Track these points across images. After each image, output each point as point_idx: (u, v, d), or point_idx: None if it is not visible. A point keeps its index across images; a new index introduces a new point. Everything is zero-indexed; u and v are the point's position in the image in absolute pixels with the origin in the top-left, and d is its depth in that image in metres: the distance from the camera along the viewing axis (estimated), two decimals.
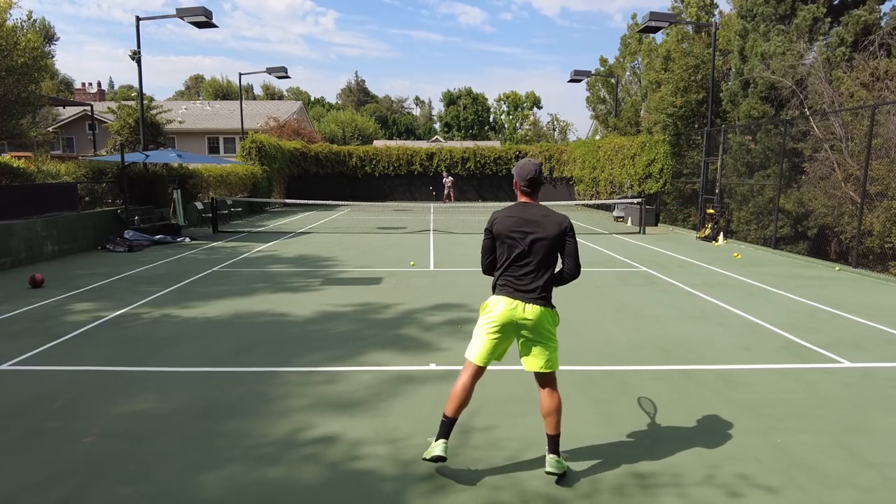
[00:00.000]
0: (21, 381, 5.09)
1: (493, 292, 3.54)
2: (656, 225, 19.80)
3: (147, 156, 15.36)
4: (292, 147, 31.37)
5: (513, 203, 3.58)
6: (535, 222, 3.43)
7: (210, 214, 17.91)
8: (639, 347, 6.09)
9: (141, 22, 16.56)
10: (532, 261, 3.43)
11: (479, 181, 34.22)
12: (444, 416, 3.55)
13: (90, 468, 3.61)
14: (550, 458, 3.47)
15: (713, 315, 7.51)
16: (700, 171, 17.09)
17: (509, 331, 3.50)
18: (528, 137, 61.94)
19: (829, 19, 14.52)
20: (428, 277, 9.99)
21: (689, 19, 23.05)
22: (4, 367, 5.44)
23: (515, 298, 3.44)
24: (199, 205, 19.04)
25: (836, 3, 14.77)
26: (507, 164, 33.79)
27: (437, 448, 3.47)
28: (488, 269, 3.63)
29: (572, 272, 3.53)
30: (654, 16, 16.42)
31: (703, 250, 13.77)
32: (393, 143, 40.40)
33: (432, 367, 5.48)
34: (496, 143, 48.06)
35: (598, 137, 33.28)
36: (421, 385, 5.02)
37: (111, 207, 14.78)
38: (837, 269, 11.17)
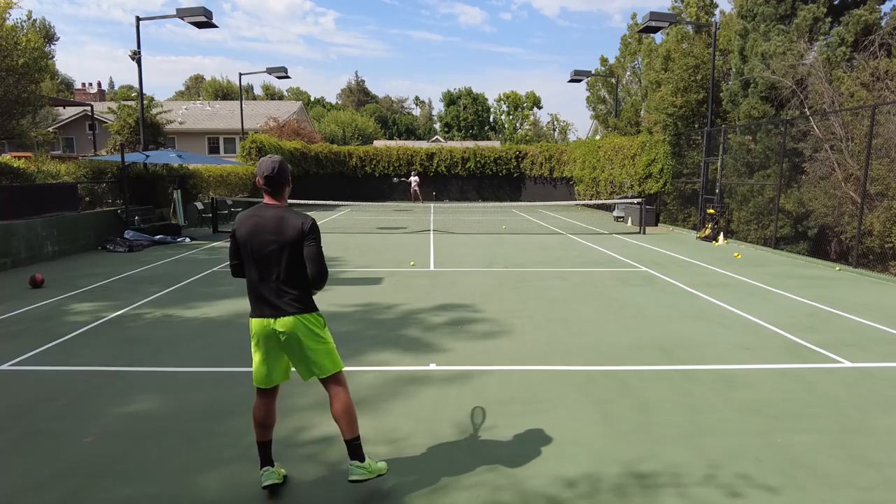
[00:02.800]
0: (21, 381, 5.10)
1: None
2: (656, 225, 19.80)
3: (147, 156, 15.36)
4: (292, 147, 31.36)
5: (258, 204, 3.33)
6: (270, 227, 3.16)
7: (210, 214, 17.91)
8: (639, 347, 6.09)
9: (141, 22, 16.57)
10: (274, 268, 3.17)
11: (479, 181, 34.22)
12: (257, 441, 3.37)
13: (90, 468, 3.62)
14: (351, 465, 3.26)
15: (713, 315, 7.51)
16: (700, 171, 17.09)
17: (272, 346, 3.24)
18: (528, 137, 61.95)
19: (829, 19, 14.52)
20: (428, 277, 9.99)
21: (689, 19, 23.05)
22: (4, 367, 5.44)
23: (265, 316, 3.20)
24: (199, 205, 19.04)
25: (836, 2, 14.77)
26: (506, 165, 33.80)
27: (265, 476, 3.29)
28: (235, 272, 3.40)
29: (314, 276, 3.19)
30: (654, 16, 16.42)
31: (703, 250, 13.77)
32: (393, 144, 40.40)
33: (432, 367, 5.48)
34: (496, 144, 48.08)
35: (598, 137, 33.28)
36: (421, 385, 5.02)
37: (111, 207, 14.78)
38: (837, 268, 11.17)
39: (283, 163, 3.29)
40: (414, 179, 31.58)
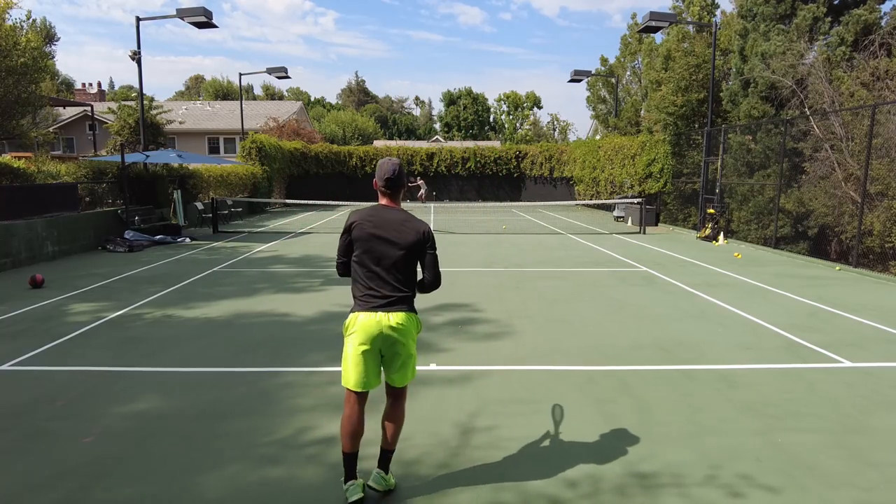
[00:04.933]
0: (21, 382, 5.09)
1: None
2: (656, 225, 19.80)
3: (147, 156, 15.36)
4: (292, 147, 31.36)
5: (373, 204, 3.38)
6: (392, 227, 3.20)
7: (210, 215, 17.91)
8: (639, 347, 6.09)
9: (141, 22, 16.58)
10: (392, 267, 3.21)
11: (479, 181, 34.22)
12: (343, 452, 3.32)
13: (90, 468, 3.61)
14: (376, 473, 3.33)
15: (713, 315, 7.50)
16: (700, 171, 17.09)
17: (376, 345, 3.21)
18: (528, 137, 61.93)
19: (829, 19, 14.52)
20: None
21: (689, 19, 23.06)
22: (4, 367, 5.43)
23: (376, 310, 3.17)
24: (200, 205, 19.04)
25: (836, 2, 14.77)
26: (506, 165, 33.81)
27: (352, 492, 3.24)
28: (342, 270, 3.43)
29: (431, 283, 3.29)
30: (654, 16, 16.42)
31: (703, 250, 13.77)
32: (393, 143, 40.41)
33: (433, 367, 5.48)
34: (496, 143, 48.05)
35: (598, 137, 33.28)
36: (422, 386, 5.01)
37: (111, 208, 14.78)
38: (838, 268, 11.17)
39: (402, 166, 3.35)
40: (420, 184, 31.72)
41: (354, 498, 3.21)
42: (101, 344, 6.14)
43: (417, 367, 5.40)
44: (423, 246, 3.23)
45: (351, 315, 3.25)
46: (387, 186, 3.28)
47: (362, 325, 3.17)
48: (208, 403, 4.61)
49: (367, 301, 3.21)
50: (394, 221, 3.21)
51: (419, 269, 3.33)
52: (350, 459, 3.30)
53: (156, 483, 3.46)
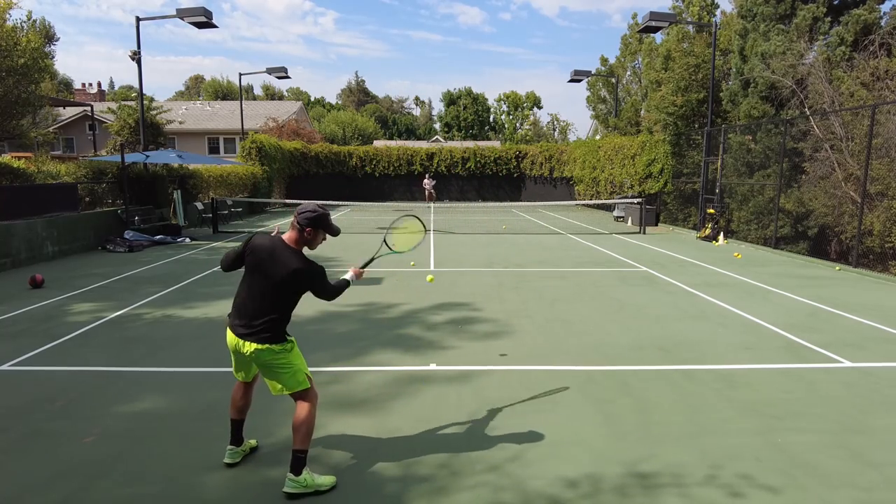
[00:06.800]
0: (21, 382, 5.09)
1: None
2: (656, 225, 19.79)
3: (147, 156, 15.35)
4: (292, 147, 31.36)
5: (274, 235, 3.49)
6: (270, 255, 3.33)
7: (210, 215, 17.90)
8: (639, 347, 6.09)
9: (141, 22, 16.58)
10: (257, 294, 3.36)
11: (479, 181, 34.22)
12: (230, 418, 3.67)
13: (90, 468, 3.61)
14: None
15: (713, 315, 7.50)
16: (700, 171, 17.09)
17: (239, 357, 3.47)
18: (528, 137, 61.93)
19: (829, 19, 14.52)
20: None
21: (689, 19, 23.07)
22: (4, 367, 5.43)
23: (237, 333, 3.36)
24: (200, 205, 19.04)
25: (836, 2, 14.77)
26: (506, 165, 33.81)
27: (228, 455, 3.63)
28: (228, 268, 3.57)
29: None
30: (654, 16, 16.43)
31: (703, 250, 13.77)
32: (393, 144, 40.41)
33: (433, 367, 5.48)
34: (496, 143, 48.03)
35: (598, 137, 33.27)
36: (422, 385, 5.02)
37: (111, 208, 14.78)
38: (838, 268, 11.17)
39: (322, 215, 3.42)
40: (428, 182, 31.79)
41: (227, 460, 3.61)
42: (101, 344, 6.14)
43: (417, 367, 5.43)
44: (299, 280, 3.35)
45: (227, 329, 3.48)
46: (300, 223, 3.35)
47: (228, 339, 3.44)
48: (208, 404, 4.61)
49: (233, 321, 3.41)
50: (273, 248, 3.35)
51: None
52: (233, 426, 3.66)
53: (155, 483, 3.46)
